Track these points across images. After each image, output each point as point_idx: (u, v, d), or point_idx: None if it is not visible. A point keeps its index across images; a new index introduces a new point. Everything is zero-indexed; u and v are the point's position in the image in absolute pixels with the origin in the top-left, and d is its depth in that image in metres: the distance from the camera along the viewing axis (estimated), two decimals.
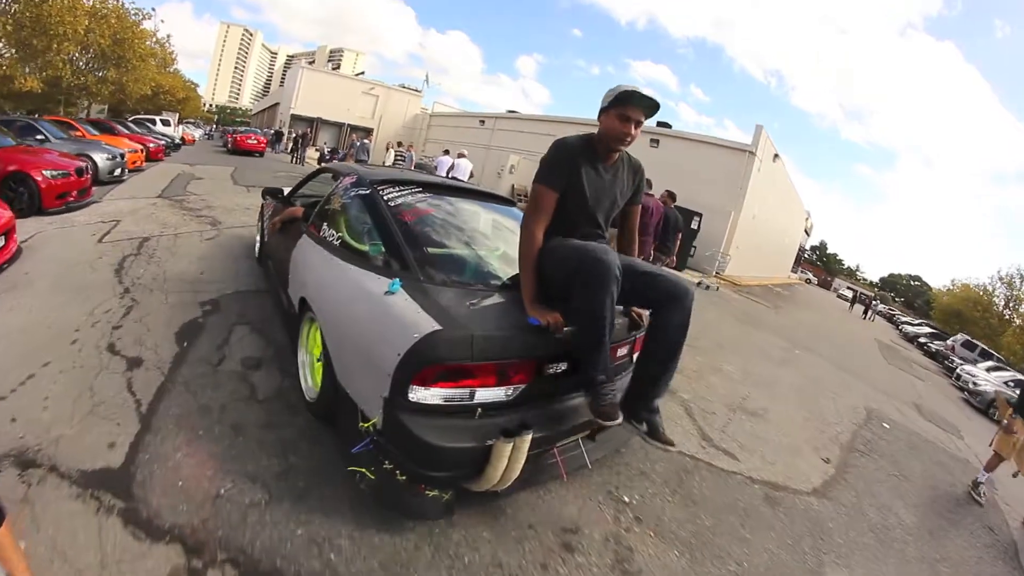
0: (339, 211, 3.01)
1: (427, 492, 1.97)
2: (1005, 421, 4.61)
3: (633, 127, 2.17)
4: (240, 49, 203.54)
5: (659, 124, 22.13)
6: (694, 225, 17.52)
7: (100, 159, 8.58)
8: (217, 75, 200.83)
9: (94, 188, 7.51)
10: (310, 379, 2.75)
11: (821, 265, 73.19)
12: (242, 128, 29.15)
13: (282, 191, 4.64)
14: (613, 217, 2.45)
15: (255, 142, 22.14)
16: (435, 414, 1.90)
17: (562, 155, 2.23)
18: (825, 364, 8.61)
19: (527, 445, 1.92)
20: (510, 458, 1.89)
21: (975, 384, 14.09)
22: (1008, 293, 35.36)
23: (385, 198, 2.75)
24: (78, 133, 10.92)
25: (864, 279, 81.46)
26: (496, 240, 3.10)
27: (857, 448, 4.57)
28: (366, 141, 16.26)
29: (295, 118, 36.31)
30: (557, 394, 2.29)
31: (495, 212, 3.38)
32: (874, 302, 36.70)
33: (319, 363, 2.63)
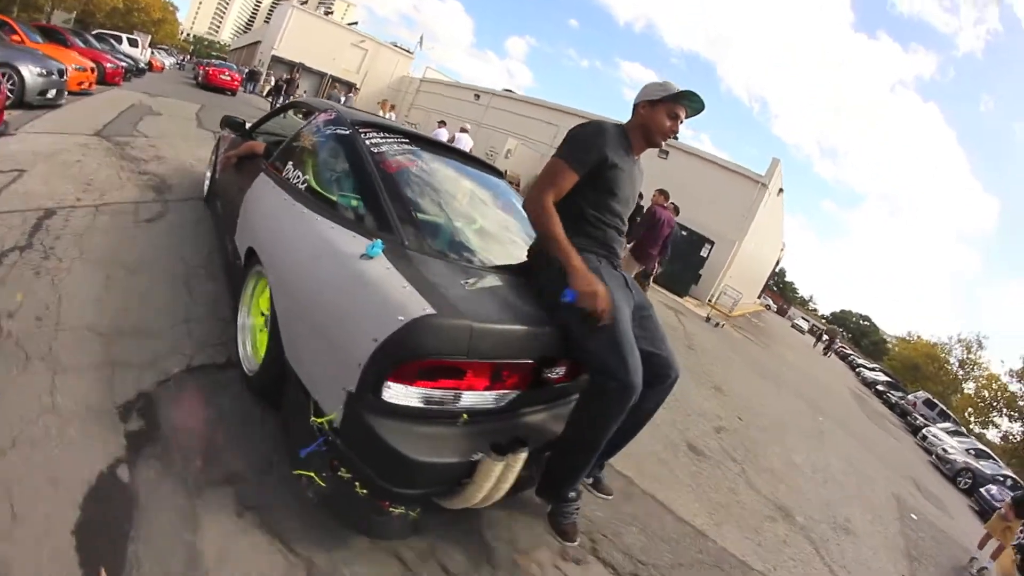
0: (309, 150, 2.53)
1: (392, 509, 1.53)
2: (1004, 510, 6.23)
3: (679, 125, 2.04)
4: None
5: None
6: (704, 253, 16.90)
7: (28, 73, 6.55)
8: (200, 3, 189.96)
9: (11, 112, 5.63)
10: (249, 347, 2.27)
11: (778, 291, 74.71)
12: (216, 61, 27.00)
13: (244, 122, 3.98)
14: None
15: (228, 78, 20.26)
16: (411, 418, 1.50)
17: (598, 136, 1.93)
18: (842, 433, 8.81)
19: (520, 464, 1.56)
20: (498, 480, 1.51)
21: (944, 451, 15.23)
22: (964, 356, 37.28)
23: (367, 142, 2.27)
24: (15, 38, 8.54)
25: (815, 311, 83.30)
26: (491, 214, 2.70)
27: (912, 554, 4.66)
28: (351, 95, 15.21)
29: (276, 60, 34.13)
30: (549, 401, 1.93)
31: (490, 184, 2.94)
32: (835, 342, 37.87)
33: (264, 331, 2.17)
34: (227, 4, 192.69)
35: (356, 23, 42.68)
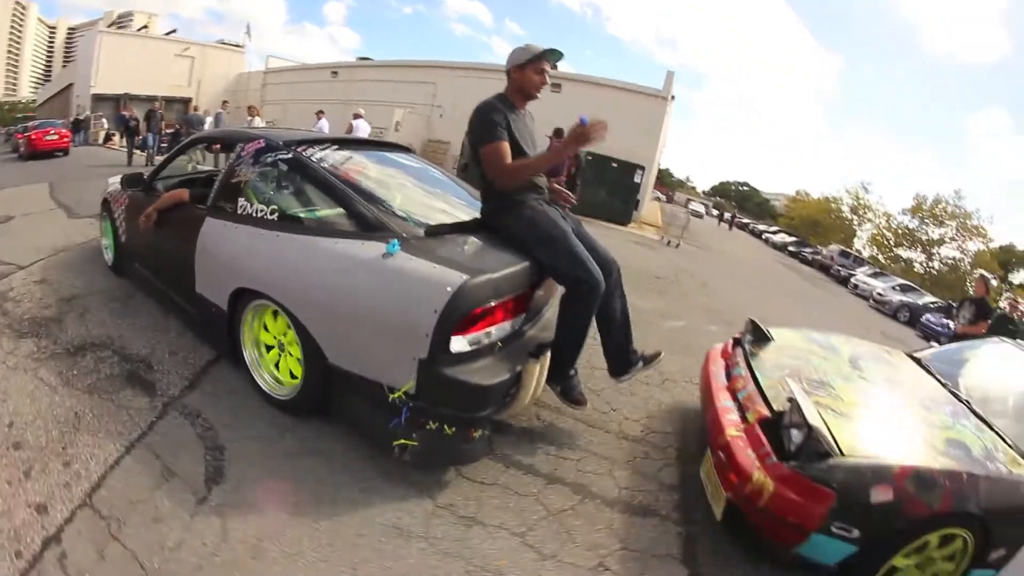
0: (258, 182, 2.63)
1: (474, 435, 2.01)
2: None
3: (546, 77, 2.52)
4: (13, 28, 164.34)
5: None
6: (637, 179, 16.62)
7: None
8: None
9: None
10: (268, 377, 2.47)
11: (659, 181, 76.94)
12: (34, 123, 23.37)
13: (142, 176, 3.71)
14: None
15: (56, 137, 17.27)
16: (468, 360, 1.95)
17: (493, 111, 2.40)
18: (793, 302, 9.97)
19: (548, 361, 2.14)
20: (538, 380, 2.09)
21: (880, 294, 17.02)
22: (854, 203, 40.97)
23: (314, 159, 2.48)
24: None
25: (694, 188, 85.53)
26: (429, 188, 3.02)
27: None
28: (220, 112, 13.82)
29: (98, 99, 29.25)
30: (536, 316, 2.49)
31: (410, 161, 3.26)
32: (736, 216, 40.24)
33: (279, 353, 2.41)
34: (17, 57, 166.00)
35: (175, 31, 37.10)
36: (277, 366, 2.48)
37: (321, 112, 11.54)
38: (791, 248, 30.79)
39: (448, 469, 2.18)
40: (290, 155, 2.52)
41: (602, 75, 20.59)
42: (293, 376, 2.39)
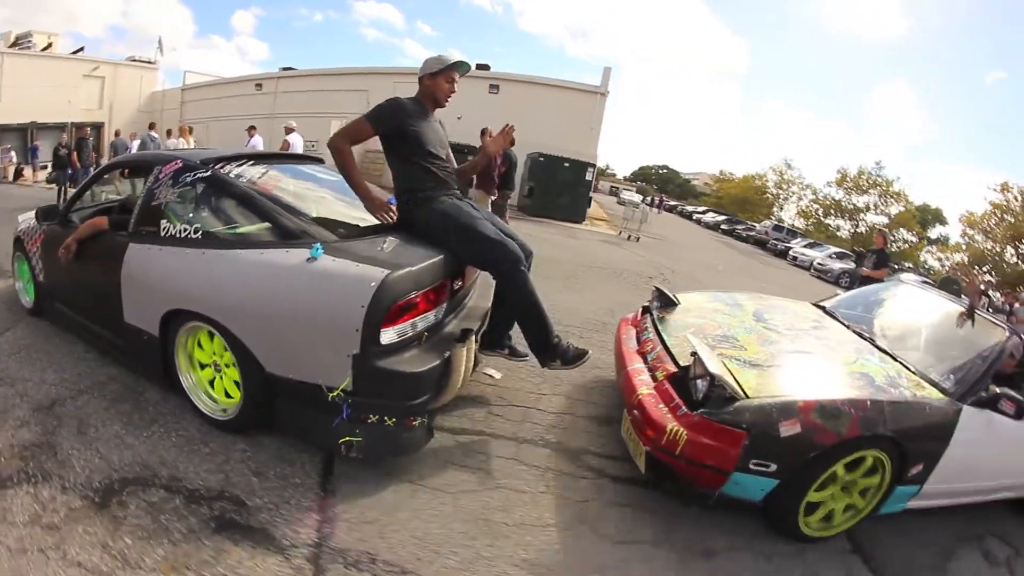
0: (179, 203, 2.62)
1: (414, 423, 2.12)
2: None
3: (455, 86, 2.74)
4: None
5: (479, 67, 19.55)
6: (588, 176, 16.41)
7: None
8: None
9: None
10: (206, 398, 2.47)
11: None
12: None
13: (57, 208, 3.56)
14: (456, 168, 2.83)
15: None
16: (399, 350, 2.08)
17: (396, 108, 2.56)
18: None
19: (474, 344, 2.29)
20: (467, 363, 2.24)
21: (820, 264, 18.26)
22: (778, 178, 44.34)
23: (232, 175, 2.54)
24: None
25: (613, 175, 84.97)
26: (344, 196, 3.06)
27: None
28: (151, 133, 12.78)
29: (0, 130, 27.25)
30: (459, 305, 2.71)
31: (324, 172, 3.40)
32: (663, 199, 42.03)
33: (213, 372, 2.44)
34: None
35: (82, 48, 33.05)
36: (212, 384, 2.48)
37: (253, 128, 10.91)
38: (723, 227, 32.01)
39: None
40: (209, 173, 2.54)
41: (536, 73, 20.39)
42: (229, 396, 2.42)
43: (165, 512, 1.82)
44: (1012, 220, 30.65)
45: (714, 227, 32.95)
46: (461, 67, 2.70)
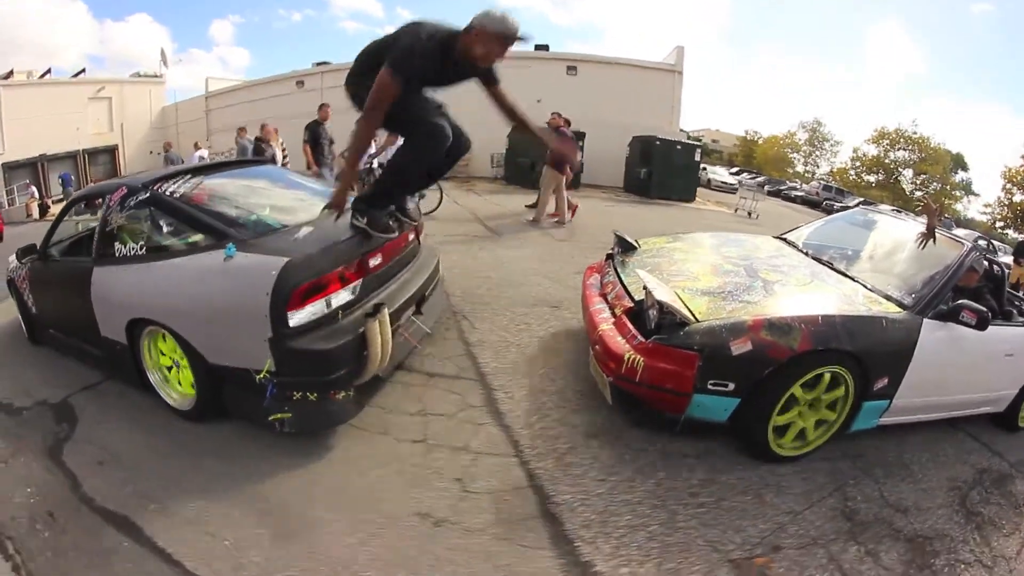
0: (127, 225, 2.90)
1: (337, 396, 2.37)
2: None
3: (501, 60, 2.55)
4: None
5: (537, 47, 18.83)
6: (697, 157, 16.04)
7: None
8: None
9: None
10: (173, 391, 2.79)
11: None
12: None
13: (35, 245, 3.75)
14: None
15: None
16: (312, 330, 2.32)
17: (424, 51, 2.39)
18: None
19: (387, 319, 2.47)
20: (381, 336, 2.39)
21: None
22: (811, 136, 43.82)
23: (168, 192, 2.81)
24: None
25: None
26: (277, 192, 3.38)
27: None
28: (173, 151, 13.10)
29: (9, 167, 24.38)
30: (384, 283, 2.89)
31: (262, 172, 3.70)
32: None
33: (173, 369, 2.74)
34: None
35: (84, 70, 29.92)
36: (180, 383, 2.79)
37: (196, 144, 10.98)
38: (768, 188, 30.01)
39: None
40: (148, 194, 2.81)
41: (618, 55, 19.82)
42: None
43: None
44: None
45: (758, 188, 32.12)
46: (521, 38, 2.46)
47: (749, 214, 13.68)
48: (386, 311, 2.48)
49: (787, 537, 2.15)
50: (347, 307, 2.51)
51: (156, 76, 31.87)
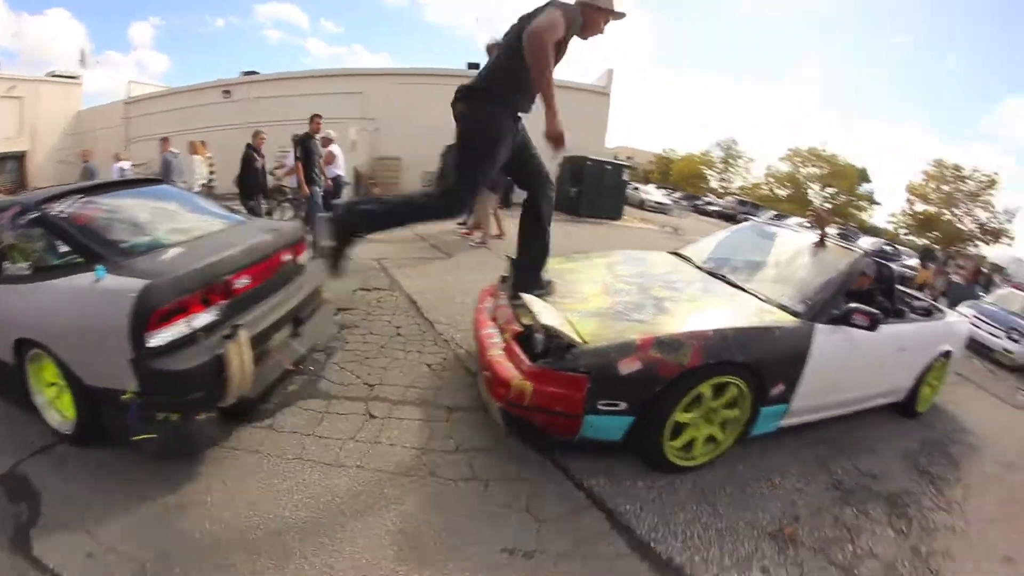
0: (19, 243, 2.91)
1: (199, 417, 2.43)
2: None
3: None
4: None
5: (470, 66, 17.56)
6: (625, 176, 16.85)
7: None
8: None
9: None
10: (56, 414, 2.77)
11: None
12: None
13: None
14: None
15: None
16: (172, 351, 2.37)
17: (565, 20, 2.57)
18: None
19: (246, 340, 2.52)
20: (241, 357, 2.46)
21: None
22: (725, 155, 47.98)
23: (55, 212, 2.85)
24: None
25: None
26: (163, 209, 3.45)
27: None
28: (91, 161, 11.74)
29: None
30: (252, 301, 2.90)
31: (154, 192, 3.71)
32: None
33: (55, 389, 2.73)
34: None
35: None
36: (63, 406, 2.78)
37: (166, 140, 9.66)
38: (685, 204, 31.11)
39: None
40: (38, 213, 2.85)
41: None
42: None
43: None
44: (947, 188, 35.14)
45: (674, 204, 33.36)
46: (617, 17, 2.77)
47: (675, 230, 14.39)
48: (244, 333, 2.53)
49: (800, 509, 2.71)
50: (210, 328, 2.54)
51: (73, 77, 28.80)
